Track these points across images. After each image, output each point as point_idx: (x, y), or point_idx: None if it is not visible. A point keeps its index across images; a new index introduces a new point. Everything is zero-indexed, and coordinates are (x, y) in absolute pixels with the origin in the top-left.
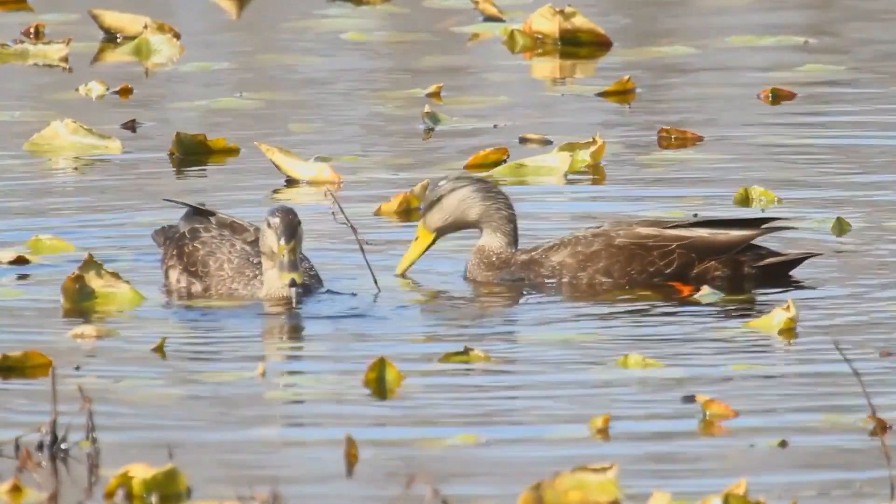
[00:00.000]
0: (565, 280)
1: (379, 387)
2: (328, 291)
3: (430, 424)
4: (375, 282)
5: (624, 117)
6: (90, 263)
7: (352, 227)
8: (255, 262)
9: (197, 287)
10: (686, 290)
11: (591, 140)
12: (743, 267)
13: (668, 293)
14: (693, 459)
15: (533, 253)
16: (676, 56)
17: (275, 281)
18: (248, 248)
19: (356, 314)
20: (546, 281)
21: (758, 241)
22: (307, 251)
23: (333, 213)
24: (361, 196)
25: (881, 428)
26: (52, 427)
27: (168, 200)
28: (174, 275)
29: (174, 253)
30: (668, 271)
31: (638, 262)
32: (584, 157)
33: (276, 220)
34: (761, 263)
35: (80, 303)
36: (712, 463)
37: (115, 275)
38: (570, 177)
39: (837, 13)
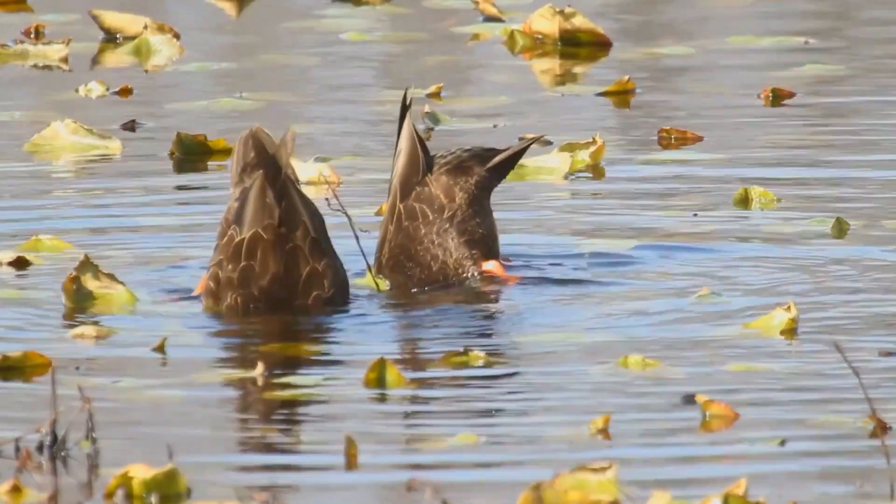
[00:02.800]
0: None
1: (378, 387)
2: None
3: (430, 424)
4: (375, 280)
5: (624, 117)
6: (86, 265)
7: (346, 213)
8: None
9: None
10: (506, 277)
11: (591, 140)
12: (473, 175)
13: (662, 293)
14: (693, 459)
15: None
16: (676, 56)
17: None
18: None
19: (356, 314)
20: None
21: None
22: None
23: (328, 199)
24: (361, 196)
25: (881, 428)
26: (51, 427)
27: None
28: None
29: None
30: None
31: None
32: (584, 157)
33: None
34: (490, 165)
35: (79, 303)
36: (712, 463)
37: (112, 276)
38: (570, 177)
39: (838, 13)
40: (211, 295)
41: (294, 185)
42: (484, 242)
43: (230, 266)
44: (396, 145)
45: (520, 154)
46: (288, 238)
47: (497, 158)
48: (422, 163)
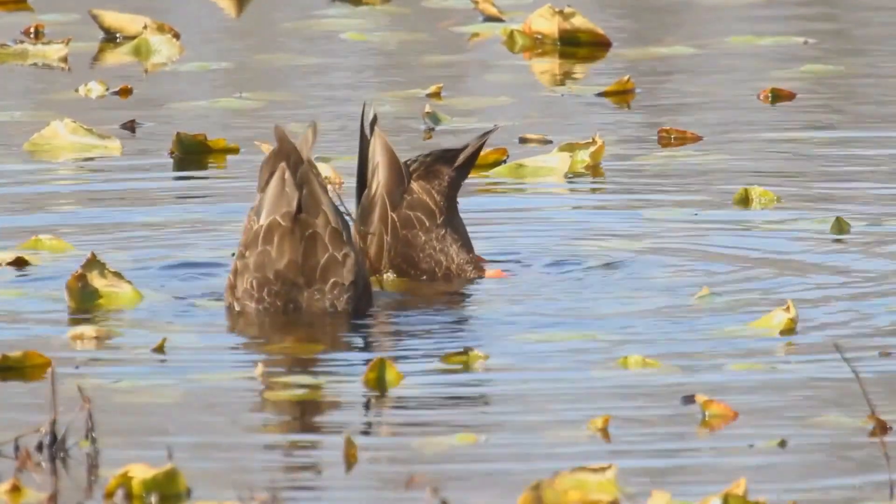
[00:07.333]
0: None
1: (378, 387)
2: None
3: (430, 424)
4: (379, 282)
5: (624, 117)
6: (93, 263)
7: (348, 214)
8: None
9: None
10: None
11: (590, 140)
12: (444, 177)
13: (662, 293)
14: (693, 459)
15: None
16: (676, 56)
17: None
18: None
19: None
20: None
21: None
22: None
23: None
24: None
25: (881, 428)
26: (51, 427)
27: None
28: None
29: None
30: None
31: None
32: (584, 157)
33: None
34: (457, 164)
35: (83, 303)
36: (712, 463)
37: (118, 274)
38: (570, 177)
39: (838, 13)
40: (230, 287)
41: (317, 177)
42: (466, 243)
43: (248, 253)
44: (360, 159)
45: (480, 148)
46: (308, 224)
47: (462, 156)
48: (404, 171)
